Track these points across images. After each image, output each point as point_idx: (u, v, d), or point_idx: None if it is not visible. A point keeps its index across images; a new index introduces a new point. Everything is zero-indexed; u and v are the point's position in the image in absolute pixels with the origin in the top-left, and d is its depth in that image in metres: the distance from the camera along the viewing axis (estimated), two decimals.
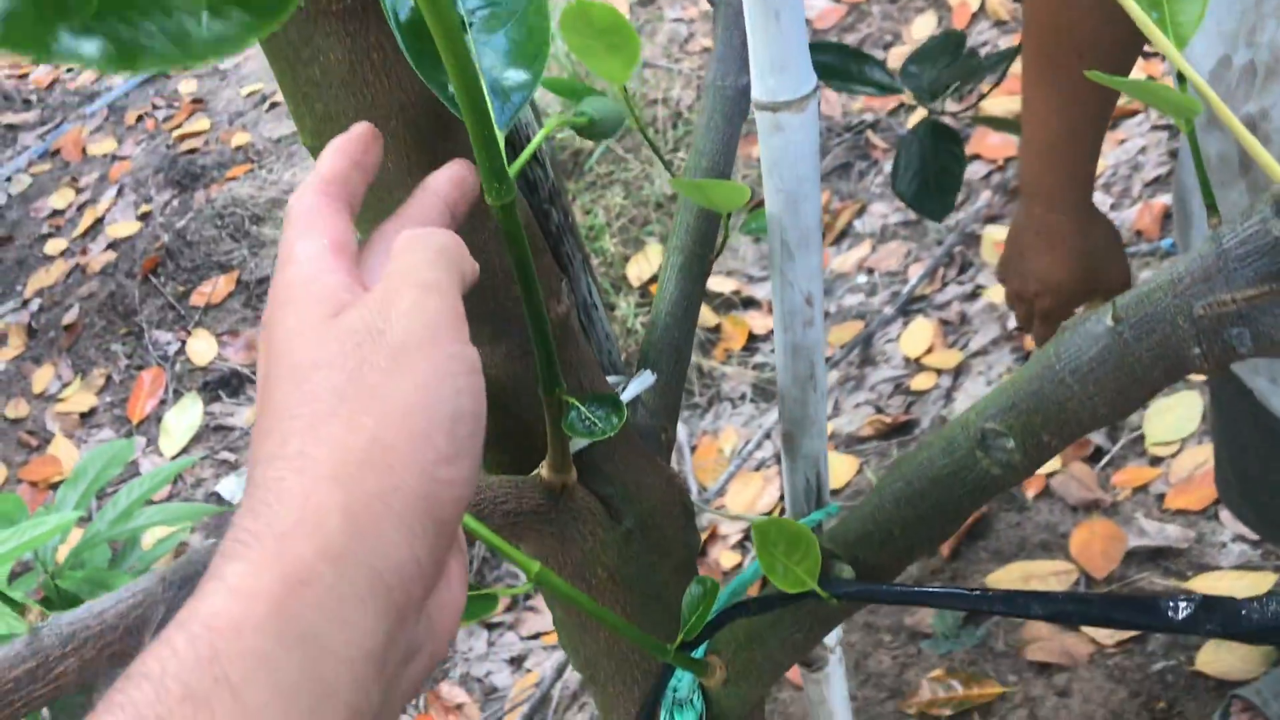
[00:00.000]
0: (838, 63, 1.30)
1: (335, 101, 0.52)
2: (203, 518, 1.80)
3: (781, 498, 2.08)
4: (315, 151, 0.54)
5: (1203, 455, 1.73)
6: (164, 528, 1.60)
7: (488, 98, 0.49)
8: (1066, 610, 0.48)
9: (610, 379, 0.64)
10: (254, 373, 2.47)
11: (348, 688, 0.31)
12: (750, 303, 2.44)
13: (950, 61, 1.38)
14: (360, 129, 0.45)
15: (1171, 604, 0.45)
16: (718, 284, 2.42)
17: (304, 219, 0.41)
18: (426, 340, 0.36)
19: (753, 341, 2.37)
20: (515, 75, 0.50)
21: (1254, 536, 1.63)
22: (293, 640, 0.30)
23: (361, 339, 0.36)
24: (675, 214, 0.69)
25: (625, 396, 0.59)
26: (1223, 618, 0.45)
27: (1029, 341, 2.03)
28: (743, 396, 2.29)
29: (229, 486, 2.30)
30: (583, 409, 0.51)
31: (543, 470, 0.55)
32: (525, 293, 0.50)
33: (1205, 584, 1.58)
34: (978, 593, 0.51)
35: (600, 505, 0.60)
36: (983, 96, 1.50)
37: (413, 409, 0.35)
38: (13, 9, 0.30)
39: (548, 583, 0.47)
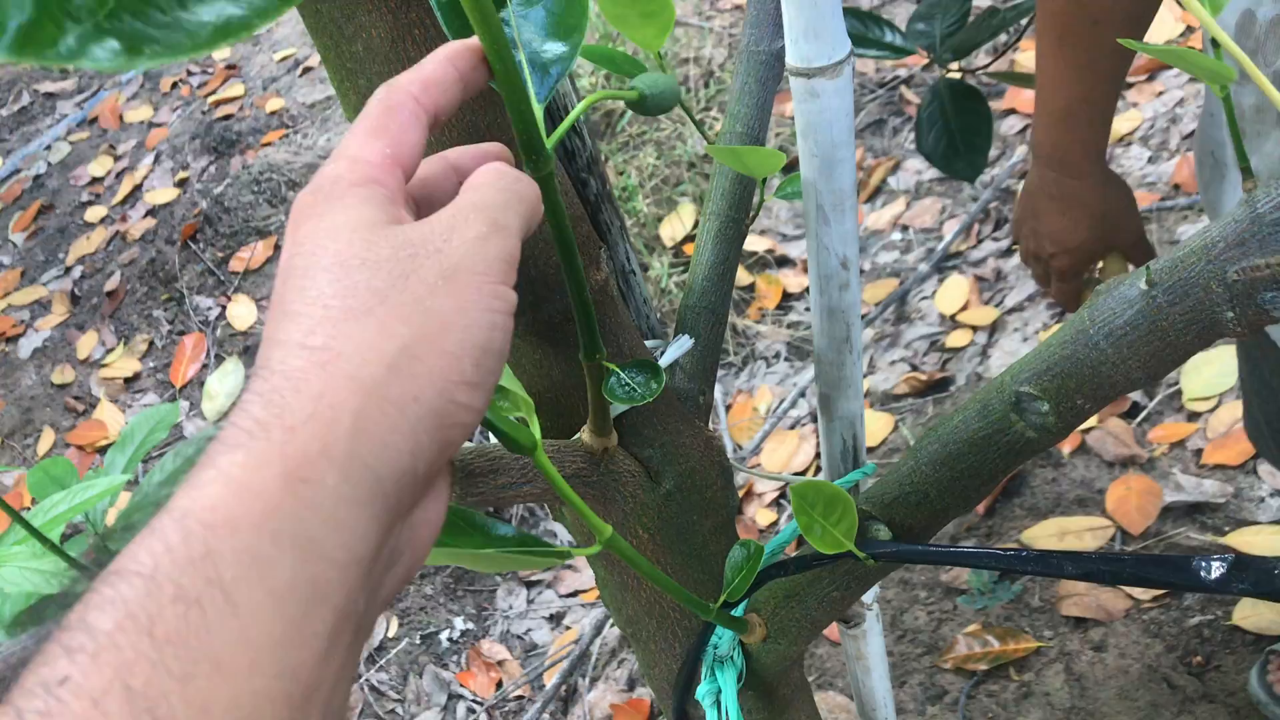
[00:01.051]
0: (852, 29, 1.29)
1: (379, 77, 0.53)
2: None
3: (818, 455, 2.09)
4: None
5: (1240, 410, 1.72)
6: None
7: (526, 71, 0.50)
8: (1099, 570, 0.49)
9: (649, 343, 0.65)
10: None
11: (338, 592, 0.31)
12: (784, 261, 2.43)
13: (958, 15, 1.37)
14: (475, 44, 0.43)
15: (1204, 563, 0.46)
16: (752, 243, 2.42)
17: (381, 116, 0.40)
18: (480, 271, 0.36)
19: (787, 300, 2.38)
20: (554, 48, 0.51)
21: None
22: (288, 541, 0.30)
23: (416, 250, 0.36)
24: (710, 178, 0.70)
25: (663, 361, 0.60)
26: (1255, 577, 0.45)
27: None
28: (777, 355, 2.30)
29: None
30: (623, 375, 0.53)
31: (584, 434, 0.57)
32: (565, 261, 0.51)
33: (1243, 539, 1.58)
34: (1012, 552, 0.52)
35: (640, 467, 0.61)
36: (1002, 51, 1.48)
37: (449, 328, 0.35)
38: (24, 18, 0.31)
39: (617, 547, 0.48)
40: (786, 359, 2.28)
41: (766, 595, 0.62)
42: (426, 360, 0.34)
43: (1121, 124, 2.26)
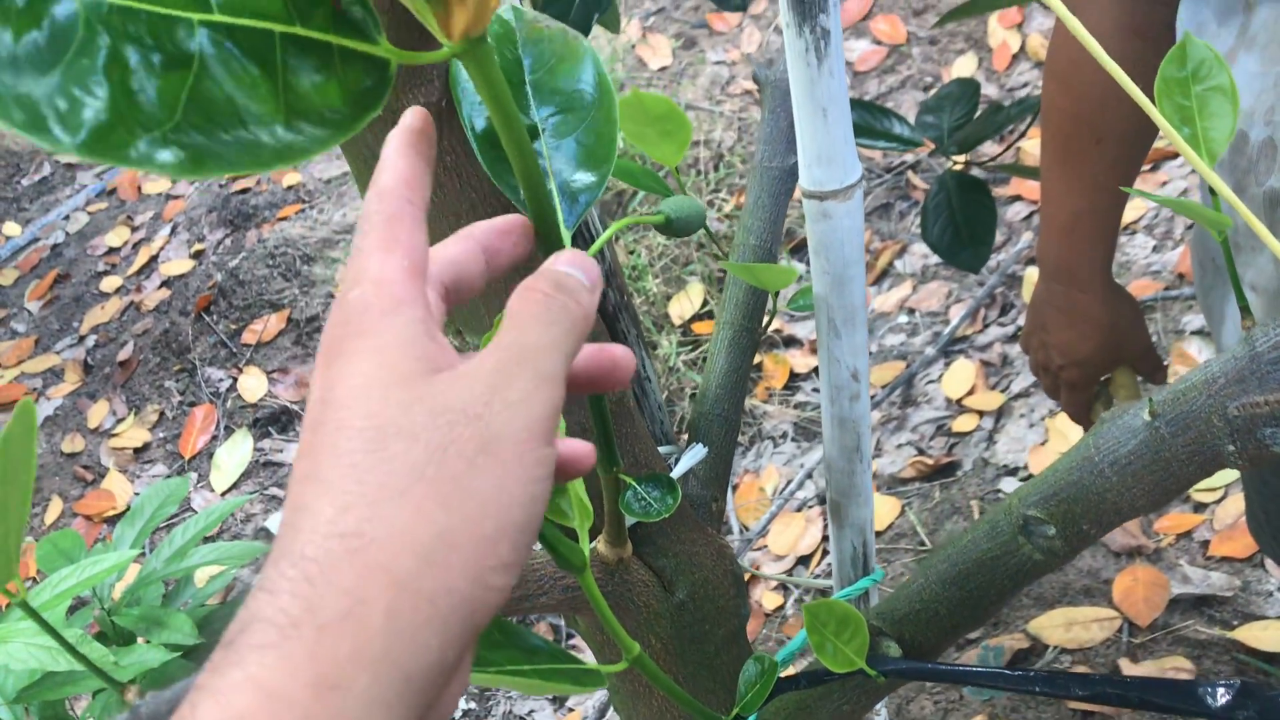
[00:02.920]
0: (859, 120, 1.32)
1: None
2: (256, 557, 1.84)
3: (825, 539, 2.08)
4: None
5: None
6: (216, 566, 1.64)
7: (557, 200, 0.52)
8: (1106, 692, 0.50)
9: (662, 450, 0.66)
10: (304, 409, 2.51)
11: None
12: (792, 341, 2.45)
13: (967, 109, 1.40)
14: (414, 117, 0.40)
15: (1210, 689, 0.47)
16: None
17: (387, 228, 0.37)
18: (523, 439, 0.34)
19: (794, 380, 2.39)
20: (583, 177, 0.53)
21: None
22: None
23: (455, 418, 0.34)
24: (724, 287, 0.72)
25: (677, 471, 0.62)
26: (1261, 705, 0.46)
27: None
28: (784, 435, 2.31)
29: (278, 522, 2.34)
30: (639, 489, 0.54)
31: (600, 545, 0.58)
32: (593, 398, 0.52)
33: (1250, 634, 1.57)
34: (1020, 673, 0.52)
35: (654, 577, 0.62)
36: (1008, 145, 1.52)
37: (487, 510, 0.33)
38: (99, 121, 0.33)
39: (644, 666, 0.49)
40: (794, 439, 2.29)
41: (778, 707, 0.62)
42: (462, 548, 0.33)
43: (1126, 213, 2.29)
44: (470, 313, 0.58)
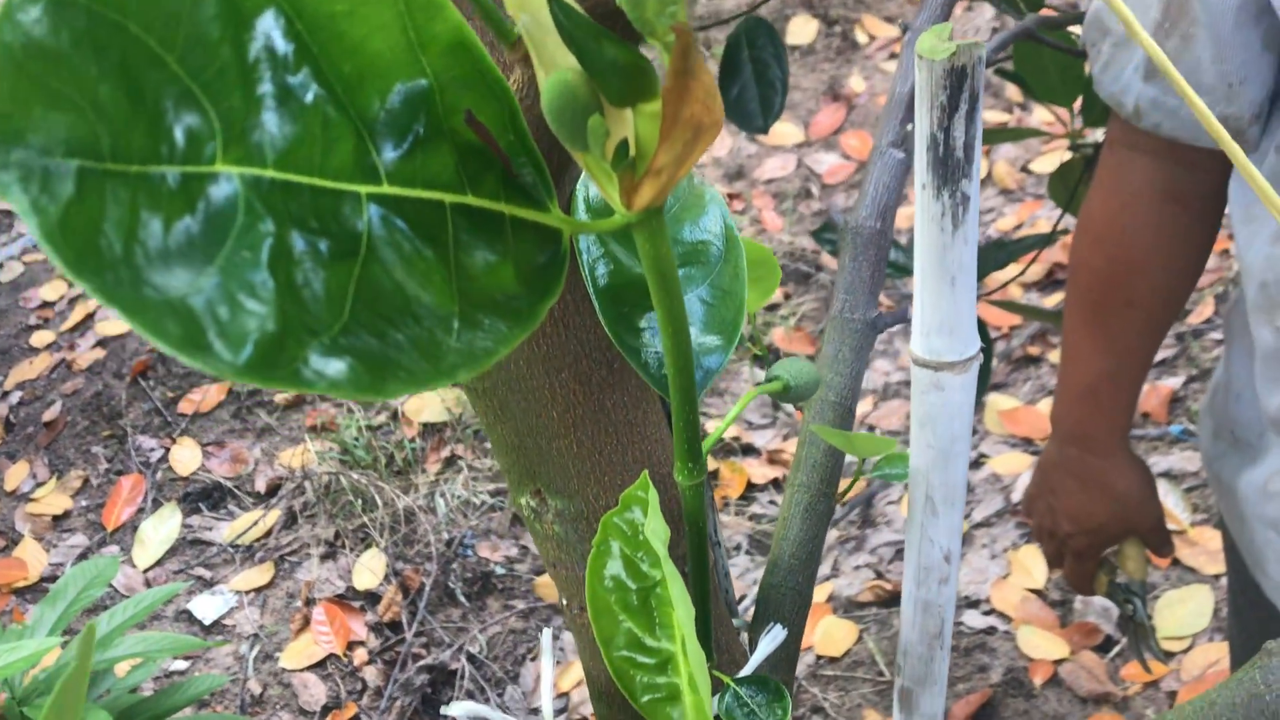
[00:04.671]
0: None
1: None
2: (184, 651, 1.73)
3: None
4: (472, 391, 0.52)
5: (1215, 653, 1.71)
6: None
7: None
8: None
9: (735, 623, 0.61)
10: (238, 486, 2.40)
11: None
12: (749, 449, 2.42)
13: None
14: None
15: None
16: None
17: None
18: None
19: (750, 491, 2.35)
20: (709, 340, 0.48)
21: None
22: None
23: None
24: (798, 446, 0.67)
25: (757, 658, 0.56)
26: None
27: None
28: (738, 547, 2.26)
29: (202, 606, 2.22)
30: (742, 694, 0.48)
31: None
32: (697, 578, 0.47)
33: None
34: None
35: None
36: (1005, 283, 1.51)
37: None
38: (265, 331, 0.26)
39: None
40: (748, 552, 2.24)
41: None
42: None
43: None
44: (543, 454, 0.52)
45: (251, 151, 0.27)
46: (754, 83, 1.31)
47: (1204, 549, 1.83)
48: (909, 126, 0.78)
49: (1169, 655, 1.74)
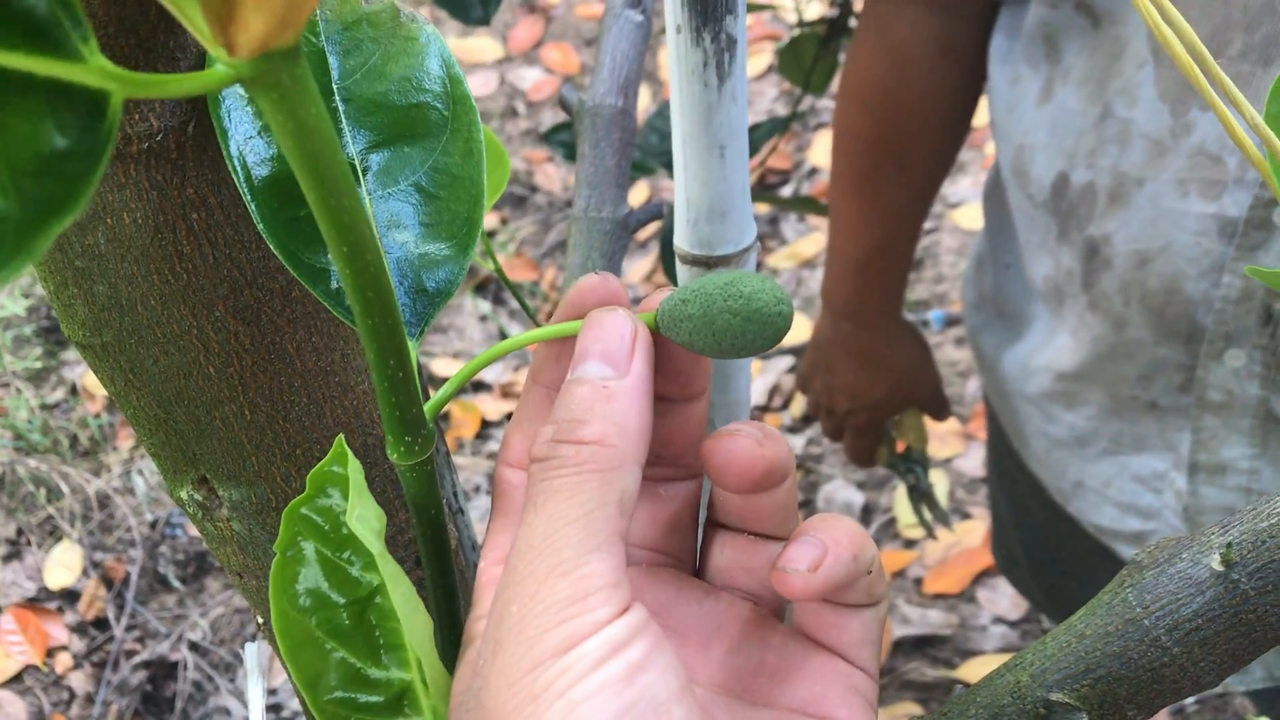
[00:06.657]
0: None
1: (128, 282, 0.35)
2: None
3: None
4: (89, 350, 0.36)
5: (954, 535, 1.73)
6: None
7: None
8: None
9: None
10: None
11: None
12: (480, 386, 2.29)
13: None
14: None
15: None
16: (444, 367, 2.26)
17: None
18: None
19: (486, 428, 2.23)
20: (434, 249, 0.35)
21: (1012, 617, 1.64)
22: None
23: None
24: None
25: None
26: None
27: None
28: (477, 489, 2.14)
29: None
30: None
31: None
32: (436, 574, 0.35)
33: (973, 670, 1.57)
34: None
35: None
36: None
37: None
38: None
39: None
40: (488, 492, 2.12)
41: None
42: None
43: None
44: (201, 428, 0.37)
45: None
46: None
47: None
48: None
49: (911, 543, 1.76)
